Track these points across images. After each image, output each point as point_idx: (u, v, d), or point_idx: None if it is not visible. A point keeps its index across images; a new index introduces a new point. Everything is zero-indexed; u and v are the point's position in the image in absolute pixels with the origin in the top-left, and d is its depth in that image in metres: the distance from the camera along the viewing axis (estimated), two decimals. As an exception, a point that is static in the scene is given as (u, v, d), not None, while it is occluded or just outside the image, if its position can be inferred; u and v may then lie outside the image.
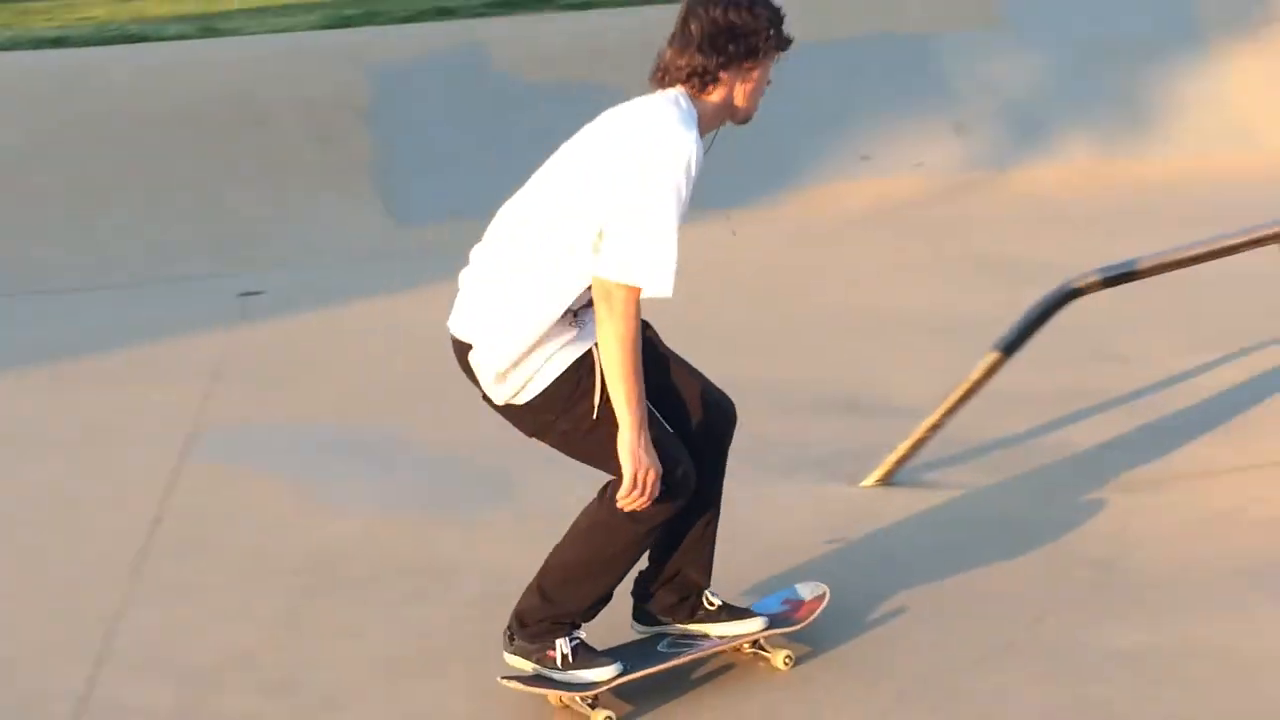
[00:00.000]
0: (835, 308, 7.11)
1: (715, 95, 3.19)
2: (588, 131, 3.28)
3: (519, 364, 3.16)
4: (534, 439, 3.33)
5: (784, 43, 3.25)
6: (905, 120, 9.73)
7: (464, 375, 3.30)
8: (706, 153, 3.12)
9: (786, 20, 3.25)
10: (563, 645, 3.30)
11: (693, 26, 3.15)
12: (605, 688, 3.29)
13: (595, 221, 3.08)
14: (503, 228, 3.28)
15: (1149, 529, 4.09)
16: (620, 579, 3.37)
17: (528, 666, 3.34)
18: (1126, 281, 4.16)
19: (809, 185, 9.43)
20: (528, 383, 3.18)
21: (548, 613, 3.32)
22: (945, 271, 7.72)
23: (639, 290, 3.04)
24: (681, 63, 3.16)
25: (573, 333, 3.20)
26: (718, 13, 3.14)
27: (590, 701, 3.30)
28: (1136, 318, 6.23)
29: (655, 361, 3.28)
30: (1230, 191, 8.88)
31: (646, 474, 3.08)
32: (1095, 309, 5.45)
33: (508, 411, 3.28)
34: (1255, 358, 5.70)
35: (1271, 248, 4.05)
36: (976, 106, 9.83)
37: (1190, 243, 4.11)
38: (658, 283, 3.04)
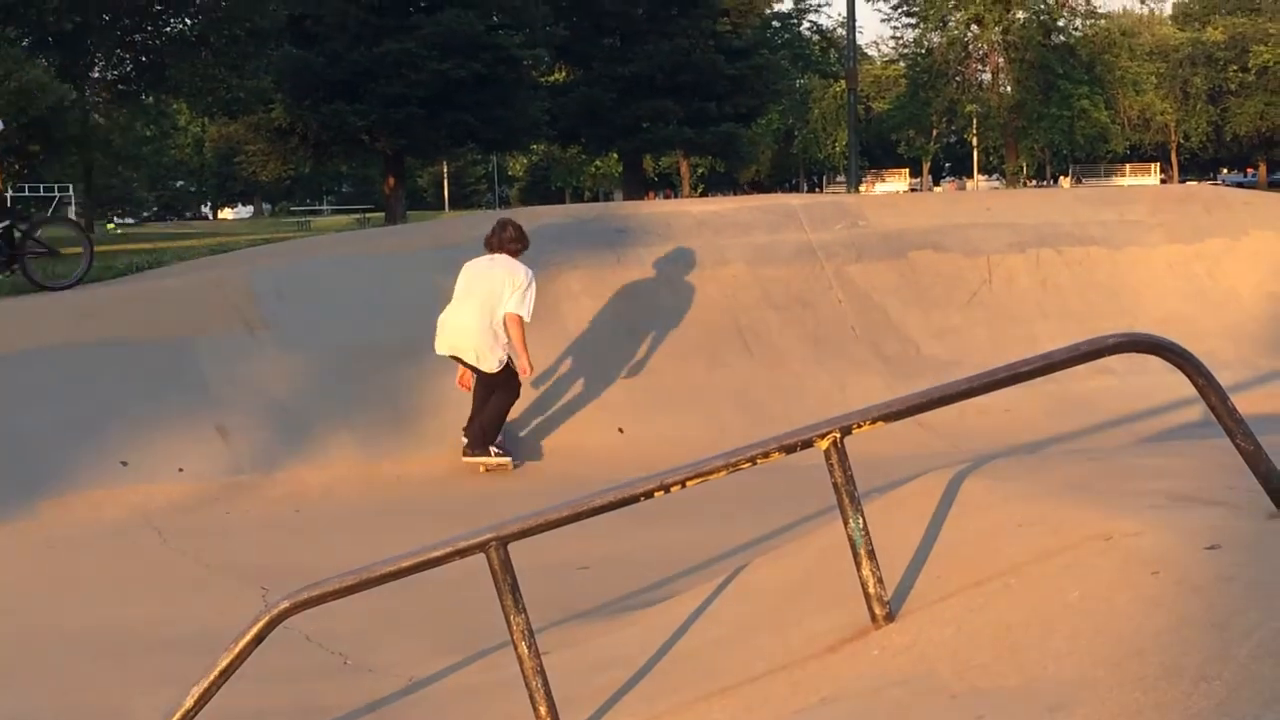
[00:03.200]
0: (88, 623, 6.61)
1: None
2: (479, 272, 9.85)
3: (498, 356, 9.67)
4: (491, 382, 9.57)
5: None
6: (166, 425, 9.44)
7: None
8: None
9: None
10: (494, 449, 9.69)
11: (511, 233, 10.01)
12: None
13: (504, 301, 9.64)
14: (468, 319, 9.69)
15: None
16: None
17: (484, 459, 9.63)
18: (326, 602, 4.07)
19: (65, 493, 8.92)
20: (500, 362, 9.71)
21: (487, 438, 9.63)
22: (206, 583, 7.42)
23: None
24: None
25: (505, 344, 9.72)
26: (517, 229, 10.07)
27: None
28: (386, 624, 6.23)
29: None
30: (489, 485, 9.35)
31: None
32: (342, 615, 5.37)
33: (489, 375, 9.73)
34: (500, 656, 5.82)
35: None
36: (240, 410, 9.74)
37: (401, 554, 4.11)
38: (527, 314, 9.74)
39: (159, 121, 45.82)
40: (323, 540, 8.06)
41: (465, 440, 9.80)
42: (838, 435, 4.01)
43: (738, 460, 4.02)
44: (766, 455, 4.03)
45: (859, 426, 4.03)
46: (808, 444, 4.03)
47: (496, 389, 9.77)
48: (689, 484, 4.03)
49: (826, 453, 4.01)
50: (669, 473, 4.04)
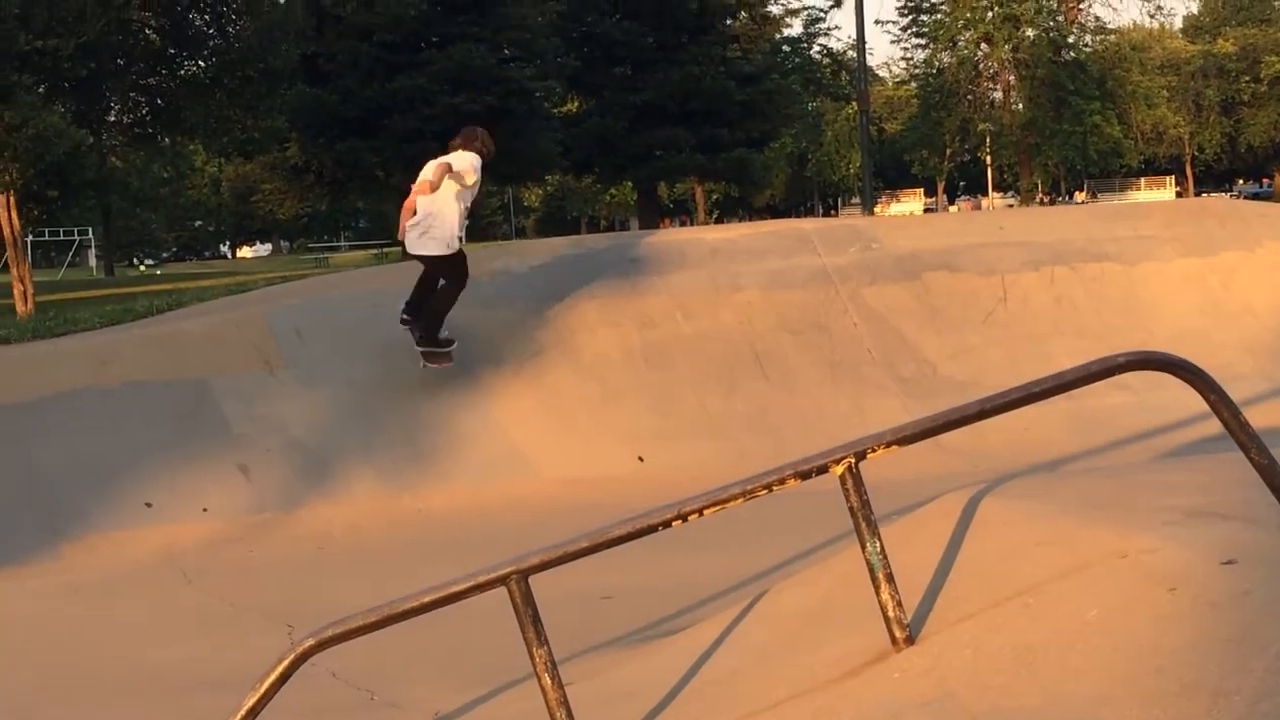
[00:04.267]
0: (113, 665, 6.66)
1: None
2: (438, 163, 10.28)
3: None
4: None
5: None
6: (189, 465, 9.50)
7: None
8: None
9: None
10: (444, 336, 10.47)
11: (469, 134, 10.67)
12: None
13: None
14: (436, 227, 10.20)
15: None
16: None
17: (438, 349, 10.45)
18: (350, 638, 4.11)
19: (89, 536, 8.98)
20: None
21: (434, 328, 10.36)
22: (232, 622, 7.47)
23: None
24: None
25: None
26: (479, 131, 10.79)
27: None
28: (411, 659, 6.26)
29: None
30: (510, 517, 9.36)
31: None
32: (367, 651, 5.39)
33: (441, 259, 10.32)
34: (524, 689, 5.84)
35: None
36: (261, 449, 9.79)
37: (423, 589, 4.15)
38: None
39: (175, 163, 46.10)
40: (346, 576, 8.10)
41: (406, 320, 10.47)
42: (852, 460, 4.03)
43: (754, 488, 4.05)
44: (782, 482, 4.06)
45: (873, 451, 4.06)
46: (823, 470, 4.06)
47: (447, 276, 10.38)
48: (706, 512, 4.07)
49: (842, 478, 4.04)
50: (686, 501, 4.07)
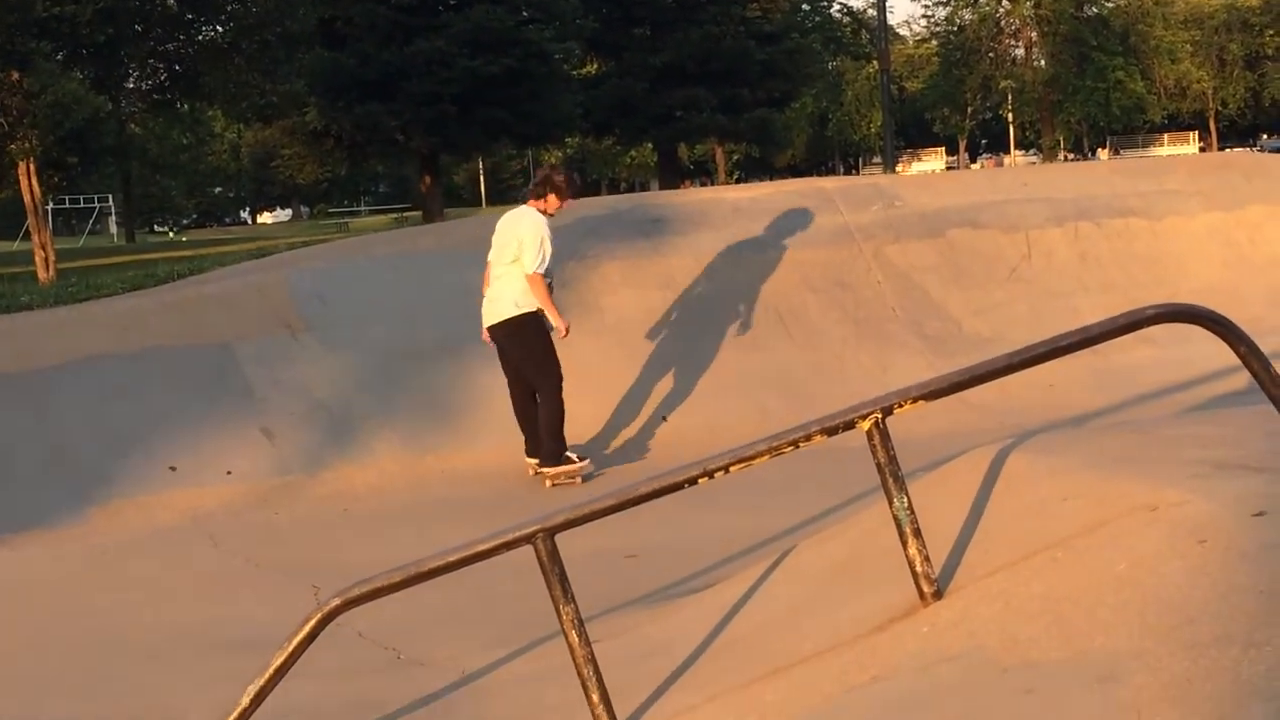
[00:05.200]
0: (141, 628, 6.69)
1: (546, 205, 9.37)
2: (501, 228, 9.46)
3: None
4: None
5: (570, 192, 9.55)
6: (212, 429, 9.52)
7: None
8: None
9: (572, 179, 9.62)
10: (570, 455, 9.28)
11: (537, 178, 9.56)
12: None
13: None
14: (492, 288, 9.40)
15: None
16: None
17: (565, 468, 9.24)
18: (376, 598, 4.11)
19: (114, 500, 9.00)
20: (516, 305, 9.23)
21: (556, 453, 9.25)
22: (258, 583, 7.50)
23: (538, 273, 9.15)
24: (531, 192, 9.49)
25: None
26: (544, 171, 9.68)
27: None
28: (437, 617, 6.28)
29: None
30: (535, 476, 9.37)
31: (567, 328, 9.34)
32: (393, 610, 5.41)
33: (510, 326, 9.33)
34: (550, 647, 5.85)
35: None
36: (284, 412, 9.81)
37: (449, 548, 4.15)
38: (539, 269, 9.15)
39: (194, 129, 46.12)
40: (371, 537, 8.13)
41: (532, 460, 9.44)
42: (879, 416, 4.01)
43: (780, 444, 4.03)
44: (809, 438, 4.04)
45: (900, 406, 4.03)
46: (850, 425, 4.04)
47: (532, 372, 9.33)
48: (732, 469, 4.05)
49: (869, 433, 4.02)
50: (712, 459, 4.05)
